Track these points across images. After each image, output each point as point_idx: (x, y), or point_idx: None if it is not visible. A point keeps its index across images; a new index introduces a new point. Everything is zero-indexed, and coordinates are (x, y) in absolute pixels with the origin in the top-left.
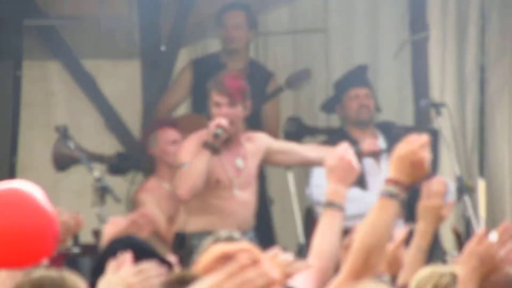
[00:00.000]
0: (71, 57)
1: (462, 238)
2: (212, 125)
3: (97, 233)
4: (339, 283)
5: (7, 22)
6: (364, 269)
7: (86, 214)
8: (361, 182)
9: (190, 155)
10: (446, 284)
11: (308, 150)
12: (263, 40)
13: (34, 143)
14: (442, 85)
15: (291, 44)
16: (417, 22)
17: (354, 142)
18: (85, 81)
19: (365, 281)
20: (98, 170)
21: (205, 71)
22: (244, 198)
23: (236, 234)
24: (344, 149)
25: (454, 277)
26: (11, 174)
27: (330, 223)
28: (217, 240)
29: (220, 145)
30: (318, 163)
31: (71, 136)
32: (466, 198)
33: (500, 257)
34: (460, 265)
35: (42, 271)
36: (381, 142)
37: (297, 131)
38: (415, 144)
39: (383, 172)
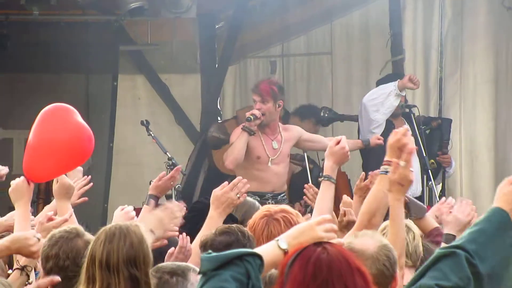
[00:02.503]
0: (152, 72)
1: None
2: (247, 114)
3: (168, 198)
4: (350, 234)
5: (108, 48)
6: (368, 226)
7: None
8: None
9: (235, 137)
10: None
11: (327, 140)
12: (286, 60)
13: (126, 133)
14: (413, 92)
15: (307, 63)
16: (396, 47)
17: (390, 124)
18: (161, 89)
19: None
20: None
21: None
22: (277, 171)
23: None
24: (344, 140)
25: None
26: (109, 154)
27: (327, 191)
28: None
29: (254, 128)
30: None
31: (151, 128)
32: (430, 173)
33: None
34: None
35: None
36: (406, 126)
37: (329, 118)
38: (399, 134)
39: None
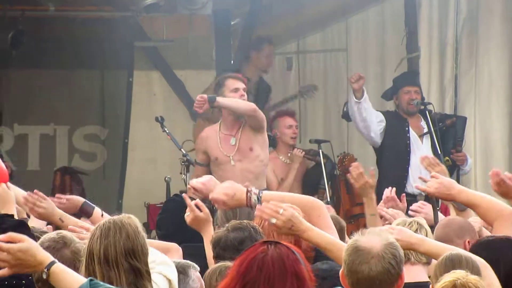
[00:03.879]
0: (167, 68)
1: (433, 202)
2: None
3: (182, 193)
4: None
5: (124, 44)
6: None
7: (176, 179)
8: (406, 152)
9: (199, 153)
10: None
11: None
12: (302, 57)
13: (141, 129)
14: (428, 89)
15: (322, 59)
16: (412, 44)
17: (404, 122)
18: (176, 85)
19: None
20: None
21: None
22: (242, 167)
23: None
24: None
25: (419, 224)
26: (124, 150)
27: None
28: None
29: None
30: None
31: (166, 124)
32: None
33: None
34: None
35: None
36: (423, 124)
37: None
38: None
39: (424, 147)
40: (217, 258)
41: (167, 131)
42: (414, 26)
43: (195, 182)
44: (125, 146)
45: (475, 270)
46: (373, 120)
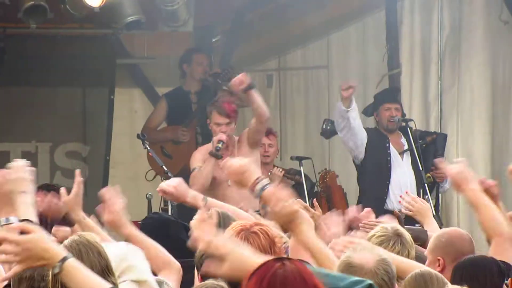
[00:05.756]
0: (148, 85)
1: (400, 219)
2: (215, 140)
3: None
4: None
5: (105, 61)
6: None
7: (157, 196)
8: (387, 169)
9: (198, 162)
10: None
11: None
12: (283, 74)
13: (122, 146)
14: (410, 106)
15: (303, 76)
16: (393, 61)
17: (384, 139)
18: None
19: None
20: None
21: (174, 99)
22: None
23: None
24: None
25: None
26: (105, 167)
27: None
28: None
29: (221, 153)
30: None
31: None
32: (426, 187)
33: None
34: None
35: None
36: (403, 141)
37: (331, 130)
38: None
39: (404, 164)
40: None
41: (149, 148)
42: (395, 42)
43: (166, 185)
44: (107, 163)
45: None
46: (361, 130)
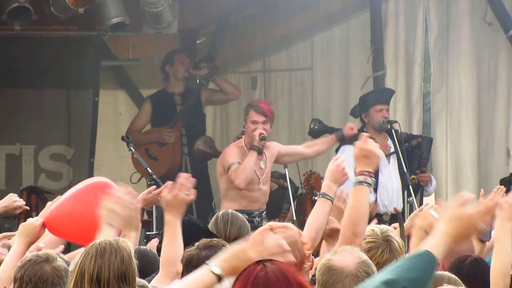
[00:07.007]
0: (133, 87)
1: (399, 215)
2: (256, 134)
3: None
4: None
5: (90, 63)
6: (352, 237)
7: None
8: (374, 173)
9: (235, 157)
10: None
11: (305, 149)
12: (267, 75)
13: (107, 148)
14: (394, 108)
15: (287, 78)
16: (378, 63)
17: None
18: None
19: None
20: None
21: (158, 101)
22: (264, 190)
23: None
24: (341, 160)
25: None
26: (90, 169)
27: (322, 208)
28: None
29: (262, 148)
30: (313, 156)
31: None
32: (410, 189)
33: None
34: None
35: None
36: (389, 143)
37: (319, 130)
38: (360, 143)
39: (391, 167)
40: None
41: (133, 150)
42: (380, 44)
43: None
44: (91, 166)
45: (457, 283)
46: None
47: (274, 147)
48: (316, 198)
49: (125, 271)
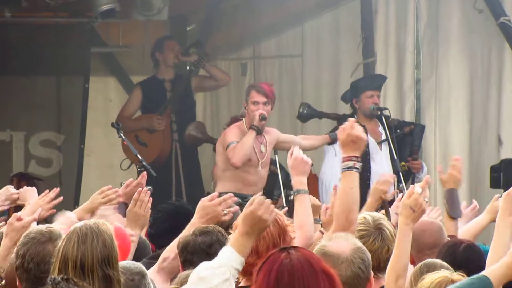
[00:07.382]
0: (123, 74)
1: (385, 204)
2: (257, 114)
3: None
4: (328, 235)
5: (80, 50)
6: (346, 224)
7: None
8: (366, 161)
9: (235, 137)
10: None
11: (302, 140)
12: (257, 62)
13: (97, 135)
14: (384, 95)
15: (277, 65)
16: (368, 50)
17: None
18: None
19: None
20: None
21: (148, 87)
22: (262, 174)
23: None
24: (296, 150)
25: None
26: (80, 156)
27: (303, 204)
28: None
29: (261, 128)
30: (308, 149)
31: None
32: (400, 175)
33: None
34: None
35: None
36: (380, 129)
37: (308, 114)
38: (347, 129)
39: (383, 152)
40: (184, 262)
41: (124, 137)
42: (370, 31)
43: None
44: (81, 152)
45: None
46: None
47: (274, 133)
48: (291, 197)
49: (107, 254)
